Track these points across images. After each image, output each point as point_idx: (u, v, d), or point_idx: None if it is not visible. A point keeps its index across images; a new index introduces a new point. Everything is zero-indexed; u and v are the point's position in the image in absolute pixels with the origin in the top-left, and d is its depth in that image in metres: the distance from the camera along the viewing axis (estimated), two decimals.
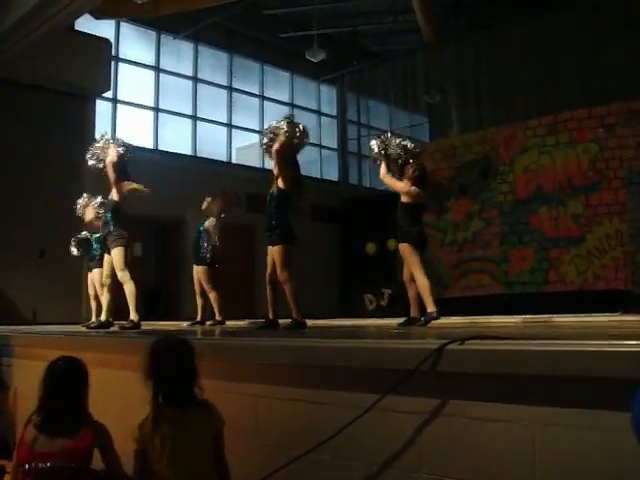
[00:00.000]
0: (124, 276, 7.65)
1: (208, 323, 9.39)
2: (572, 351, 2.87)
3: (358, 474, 3.52)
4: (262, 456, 4.07)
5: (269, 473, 3.72)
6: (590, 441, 2.78)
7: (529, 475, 2.92)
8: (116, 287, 7.88)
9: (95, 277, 9.52)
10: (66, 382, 3.63)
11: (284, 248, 6.52)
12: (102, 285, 8.09)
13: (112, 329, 7.58)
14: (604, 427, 2.73)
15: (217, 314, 9.42)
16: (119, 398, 4.88)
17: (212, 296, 9.45)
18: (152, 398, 3.31)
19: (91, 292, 9.89)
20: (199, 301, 9.61)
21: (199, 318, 9.51)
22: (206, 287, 9.45)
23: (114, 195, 7.87)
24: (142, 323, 7.76)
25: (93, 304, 9.82)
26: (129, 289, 7.68)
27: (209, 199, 9.78)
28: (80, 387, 3.67)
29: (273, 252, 6.60)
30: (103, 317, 7.88)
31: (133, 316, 7.62)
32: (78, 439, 3.56)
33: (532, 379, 2.93)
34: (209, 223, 9.54)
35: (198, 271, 9.53)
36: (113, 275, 7.80)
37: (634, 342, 2.81)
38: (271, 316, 6.80)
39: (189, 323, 9.49)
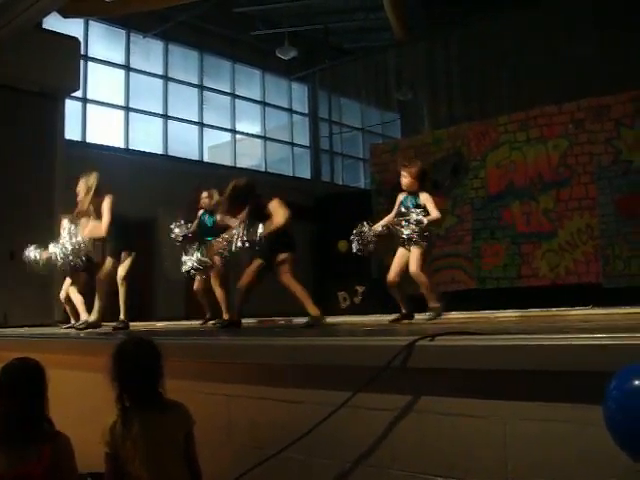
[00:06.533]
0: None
1: (211, 322, 9.27)
2: (544, 345, 2.89)
3: (331, 472, 3.52)
4: (235, 456, 4.06)
5: (242, 472, 3.70)
6: (561, 434, 2.79)
7: (501, 469, 2.93)
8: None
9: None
10: (21, 385, 3.33)
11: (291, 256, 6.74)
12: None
13: (103, 329, 7.62)
14: (575, 420, 2.74)
15: (224, 313, 9.28)
16: (91, 401, 4.84)
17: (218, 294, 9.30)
18: (117, 400, 3.28)
19: (62, 295, 9.79)
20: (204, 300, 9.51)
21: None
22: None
23: None
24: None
25: (67, 307, 9.73)
26: (123, 290, 7.78)
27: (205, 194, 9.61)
28: (37, 390, 3.36)
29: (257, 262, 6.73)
30: (92, 317, 7.82)
31: (124, 316, 7.72)
32: (37, 455, 3.21)
33: (503, 374, 2.93)
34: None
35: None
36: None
37: (604, 335, 2.83)
38: (230, 316, 6.90)
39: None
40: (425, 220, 6.71)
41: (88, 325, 7.74)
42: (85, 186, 7.76)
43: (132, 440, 3.21)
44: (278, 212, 6.77)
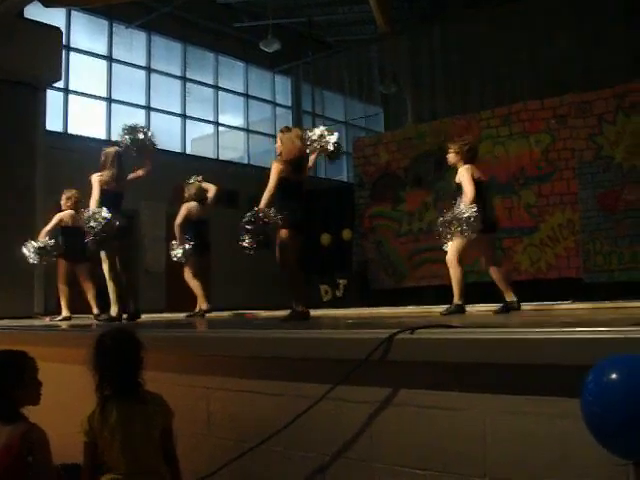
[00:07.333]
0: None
1: (186, 315, 9.25)
2: (523, 339, 2.90)
3: (311, 464, 3.52)
4: (215, 449, 4.05)
5: (222, 465, 3.70)
6: (539, 427, 2.80)
7: (479, 462, 2.94)
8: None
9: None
10: None
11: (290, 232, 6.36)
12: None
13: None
14: (553, 413, 2.76)
15: (201, 303, 9.25)
16: (72, 393, 4.81)
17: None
18: (97, 389, 3.28)
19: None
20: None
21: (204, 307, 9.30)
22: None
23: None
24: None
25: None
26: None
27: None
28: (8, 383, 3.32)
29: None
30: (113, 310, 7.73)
31: (113, 310, 7.65)
32: (6, 446, 3.15)
33: (483, 367, 2.94)
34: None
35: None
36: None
37: (584, 329, 2.84)
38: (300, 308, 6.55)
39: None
40: (463, 216, 6.47)
41: (110, 319, 7.62)
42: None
43: (110, 430, 3.21)
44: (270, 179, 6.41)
